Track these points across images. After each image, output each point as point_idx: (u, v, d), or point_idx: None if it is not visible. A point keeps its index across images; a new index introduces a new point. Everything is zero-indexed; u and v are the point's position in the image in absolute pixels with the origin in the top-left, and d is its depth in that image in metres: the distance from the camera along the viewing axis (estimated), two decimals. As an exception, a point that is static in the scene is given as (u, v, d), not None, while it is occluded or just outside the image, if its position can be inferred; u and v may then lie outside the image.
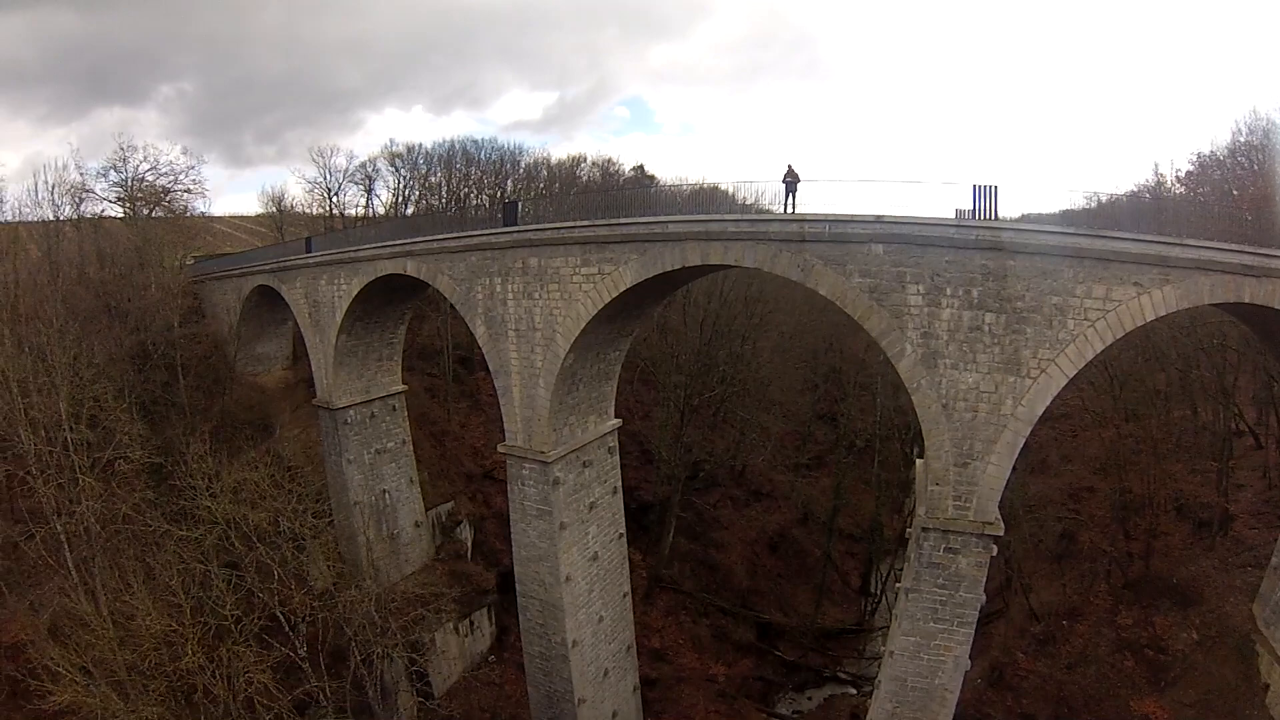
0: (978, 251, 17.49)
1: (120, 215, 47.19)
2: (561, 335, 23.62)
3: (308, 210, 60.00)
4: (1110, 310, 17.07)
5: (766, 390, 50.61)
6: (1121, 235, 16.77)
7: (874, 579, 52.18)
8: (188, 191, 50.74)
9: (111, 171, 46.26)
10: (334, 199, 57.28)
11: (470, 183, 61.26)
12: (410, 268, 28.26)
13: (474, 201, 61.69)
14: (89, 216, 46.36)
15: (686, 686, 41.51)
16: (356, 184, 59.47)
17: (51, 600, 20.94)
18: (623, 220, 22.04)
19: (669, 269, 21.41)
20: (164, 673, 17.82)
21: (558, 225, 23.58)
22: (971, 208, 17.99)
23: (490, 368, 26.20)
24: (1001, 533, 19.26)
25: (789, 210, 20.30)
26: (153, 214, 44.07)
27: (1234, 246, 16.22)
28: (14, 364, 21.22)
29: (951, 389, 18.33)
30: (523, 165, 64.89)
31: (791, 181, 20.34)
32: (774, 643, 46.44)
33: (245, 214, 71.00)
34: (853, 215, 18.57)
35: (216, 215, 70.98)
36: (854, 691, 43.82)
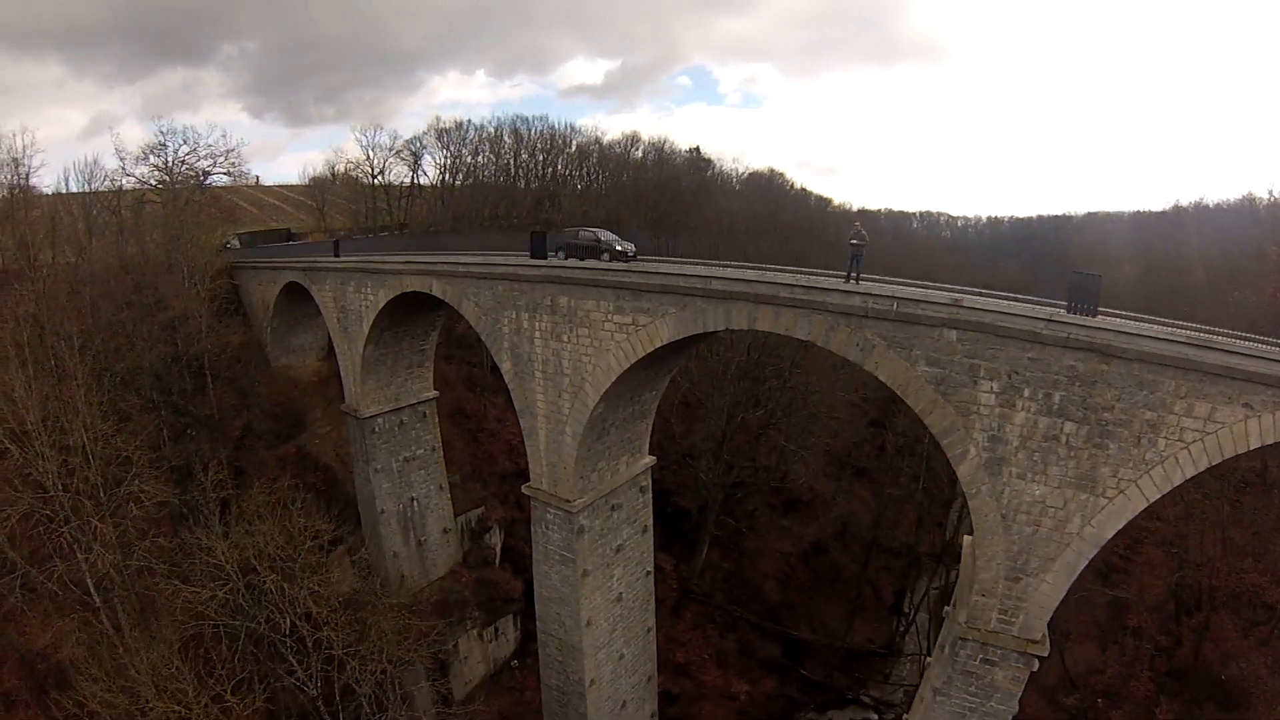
0: (1066, 350, 15.20)
1: (158, 188, 46.79)
2: (591, 385, 22.09)
3: (356, 174, 59.17)
4: (1211, 433, 14.72)
5: (814, 416, 48.27)
6: (1239, 350, 14.32)
7: (908, 600, 50.45)
8: (227, 174, 50.35)
9: (151, 155, 45.92)
10: (377, 177, 56.19)
11: (518, 163, 59.48)
12: (436, 288, 26.98)
13: (521, 183, 60.23)
14: (129, 189, 46.46)
15: (707, 704, 40.92)
16: (403, 160, 58.37)
17: (71, 633, 20.82)
18: (660, 270, 20.20)
19: (711, 329, 19.62)
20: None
21: (589, 267, 21.88)
22: (1067, 298, 15.63)
23: (515, 405, 24.93)
24: (1045, 653, 17.61)
25: (852, 278, 17.96)
26: (192, 198, 43.64)
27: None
28: (31, 398, 20.66)
29: (1014, 500, 16.40)
30: (574, 145, 62.77)
31: (859, 245, 17.90)
32: (800, 660, 45.33)
33: (293, 183, 70.93)
34: (926, 295, 16.43)
35: (266, 186, 71.28)
36: (875, 718, 42.69)
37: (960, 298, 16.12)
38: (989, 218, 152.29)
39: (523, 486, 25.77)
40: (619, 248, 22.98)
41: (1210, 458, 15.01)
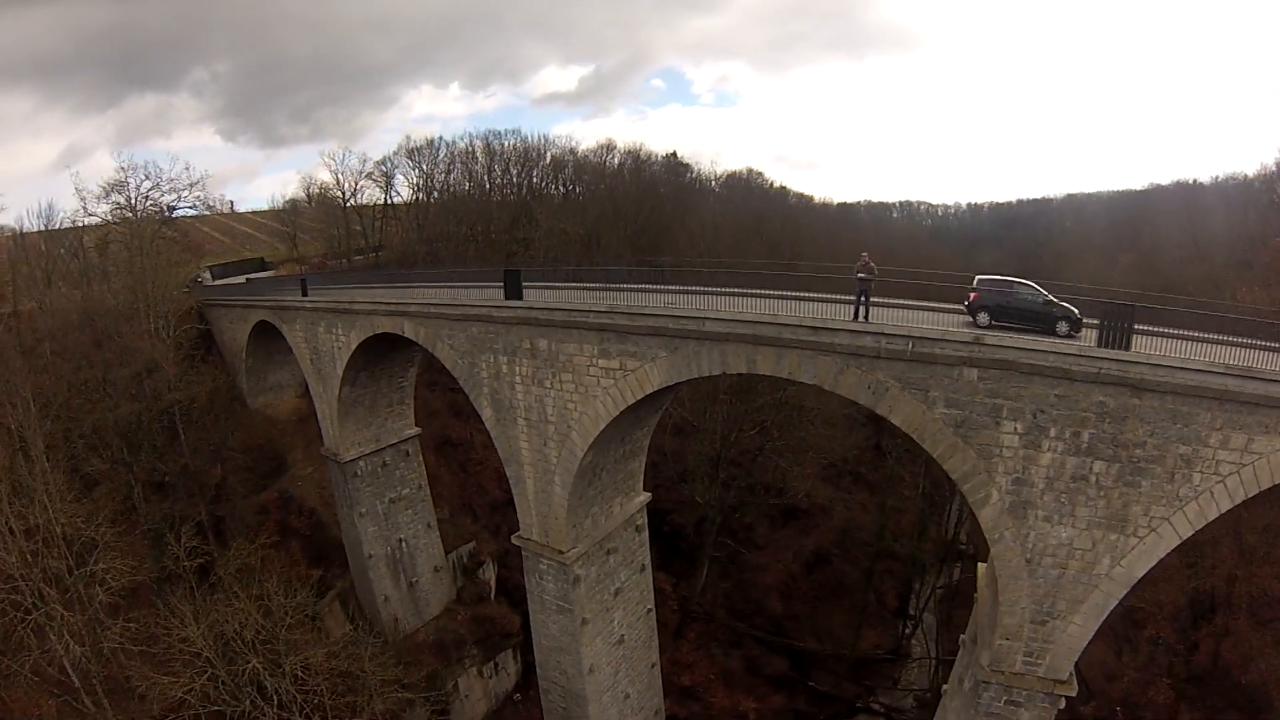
0: (1096, 386, 14.12)
1: (121, 224, 44.83)
2: (578, 434, 20.76)
3: (330, 191, 57.53)
4: (1247, 464, 13.78)
5: (810, 430, 47.11)
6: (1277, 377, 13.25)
7: (912, 603, 49.63)
8: (192, 208, 48.49)
9: (113, 193, 43.86)
10: (350, 201, 54.58)
11: (492, 180, 57.84)
12: (408, 329, 25.51)
13: (497, 196, 58.65)
14: (92, 227, 44.64)
15: (717, 725, 39.91)
16: (375, 182, 56.80)
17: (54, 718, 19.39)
18: (647, 310, 18.74)
19: (705, 374, 18.37)
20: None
21: (569, 307, 20.30)
22: (1099, 331, 14.42)
23: (500, 454, 23.53)
24: (1074, 693, 16.72)
25: (860, 316, 16.31)
26: (157, 234, 41.72)
27: None
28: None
29: (1040, 543, 15.39)
30: (549, 156, 61.12)
31: (866, 279, 16.28)
32: (807, 672, 44.36)
33: (267, 209, 69.05)
34: (945, 333, 15.16)
35: (238, 213, 69.45)
36: (887, 725, 41.94)
37: (982, 335, 14.91)
38: (969, 204, 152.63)
39: (513, 537, 24.45)
40: (1077, 313, 15.51)
41: (1247, 490, 14.10)
